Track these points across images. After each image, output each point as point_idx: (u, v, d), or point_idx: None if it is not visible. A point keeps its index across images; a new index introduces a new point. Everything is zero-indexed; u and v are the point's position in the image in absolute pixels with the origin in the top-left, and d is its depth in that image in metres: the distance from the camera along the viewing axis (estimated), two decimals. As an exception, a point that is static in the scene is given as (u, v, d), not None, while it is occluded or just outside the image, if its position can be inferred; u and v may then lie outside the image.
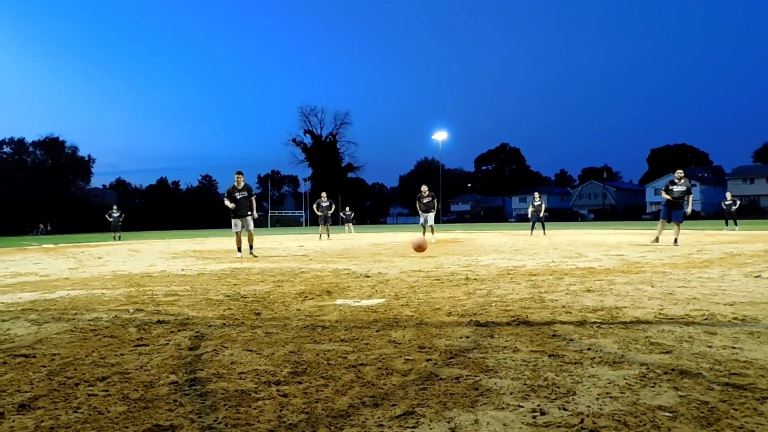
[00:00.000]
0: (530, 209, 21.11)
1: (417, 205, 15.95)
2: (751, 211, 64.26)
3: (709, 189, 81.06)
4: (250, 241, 11.24)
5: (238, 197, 11.22)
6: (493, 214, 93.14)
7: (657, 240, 12.46)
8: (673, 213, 12.07)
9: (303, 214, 69.89)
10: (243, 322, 3.82)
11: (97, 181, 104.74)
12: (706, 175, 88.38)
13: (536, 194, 21.50)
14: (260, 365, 2.66)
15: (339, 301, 4.76)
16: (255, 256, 10.94)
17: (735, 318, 3.65)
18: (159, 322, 3.89)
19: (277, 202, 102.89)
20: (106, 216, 27.05)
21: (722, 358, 2.62)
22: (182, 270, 8.23)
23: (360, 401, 2.10)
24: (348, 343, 3.12)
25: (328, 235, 20.95)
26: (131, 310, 4.41)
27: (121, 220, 26.19)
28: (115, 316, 4.19)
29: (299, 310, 4.34)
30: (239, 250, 11.16)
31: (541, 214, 20.88)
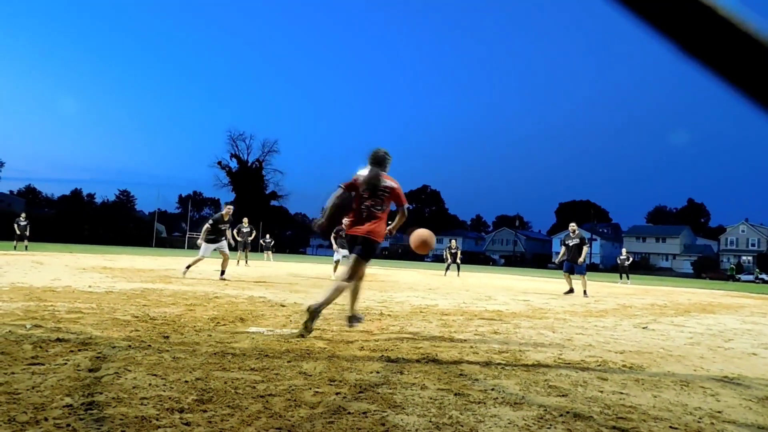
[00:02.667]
0: (447, 252, 22.31)
1: (334, 239, 14.95)
2: (642, 266, 69.48)
3: (607, 244, 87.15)
4: (224, 265, 11.12)
5: (222, 229, 11.19)
6: (411, 252, 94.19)
7: (571, 291, 12.71)
8: (575, 266, 12.61)
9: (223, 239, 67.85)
10: (150, 345, 3.64)
11: (3, 186, 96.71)
12: (605, 231, 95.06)
13: (453, 241, 22.82)
14: (164, 391, 2.55)
15: (252, 329, 4.66)
16: (224, 280, 10.69)
17: (624, 365, 3.93)
18: (58, 340, 3.63)
19: (197, 225, 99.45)
20: (15, 224, 24.77)
21: (611, 403, 2.82)
22: (89, 286, 7.71)
23: (266, 432, 2.07)
24: (258, 372, 3.06)
25: (246, 262, 20.41)
26: (28, 326, 4.08)
27: (28, 229, 24.10)
28: (9, 331, 3.86)
29: (210, 335, 4.20)
30: (188, 268, 11.05)
31: (458, 258, 22.05)
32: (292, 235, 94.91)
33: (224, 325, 4.82)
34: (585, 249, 12.24)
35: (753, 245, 78.48)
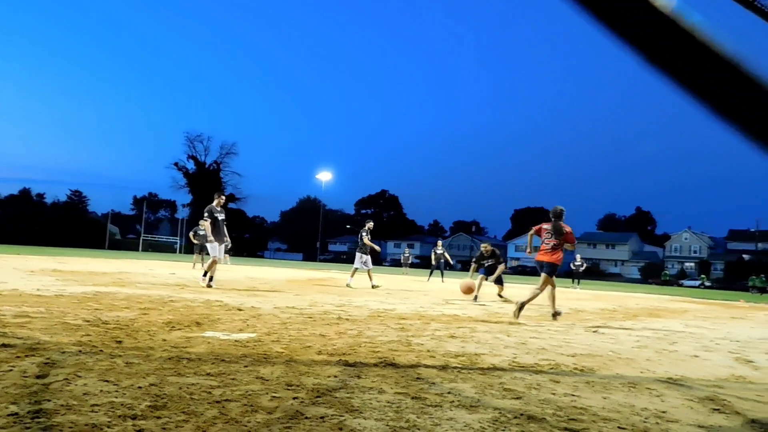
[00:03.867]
0: (433, 256, 22.03)
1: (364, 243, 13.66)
2: (593, 273, 71.62)
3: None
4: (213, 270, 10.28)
5: (220, 219, 10.39)
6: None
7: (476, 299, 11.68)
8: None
9: (178, 241, 66.22)
10: (102, 350, 3.53)
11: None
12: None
13: (439, 242, 22.56)
14: (116, 397, 2.48)
15: (208, 333, 4.58)
16: (210, 287, 9.95)
17: (576, 368, 4.05)
18: (3, 345, 3.46)
19: (152, 227, 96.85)
20: None
21: (563, 405, 2.90)
22: (38, 290, 7.39)
23: (223, 439, 2.05)
24: (214, 377, 3.01)
25: (203, 265, 19.97)
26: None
27: None
28: (-57, 337, 3.68)
29: (165, 340, 4.10)
30: (211, 279, 10.10)
31: (442, 261, 21.81)
32: (250, 239, 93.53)
33: (180, 329, 4.71)
34: (500, 268, 11.67)
35: (695, 252, 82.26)
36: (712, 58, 0.46)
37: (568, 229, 7.66)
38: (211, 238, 10.18)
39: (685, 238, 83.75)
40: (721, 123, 0.49)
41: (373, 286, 13.11)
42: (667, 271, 61.51)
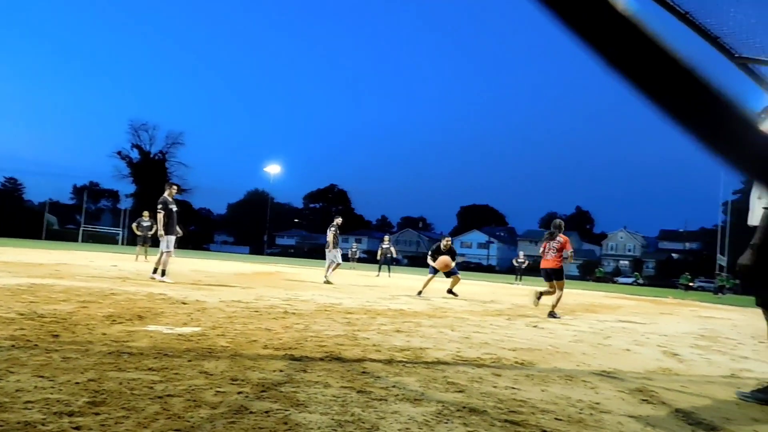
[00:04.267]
0: (379, 251, 22.13)
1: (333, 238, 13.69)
2: (534, 269, 73.90)
3: (504, 247, 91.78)
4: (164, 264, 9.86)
5: (174, 210, 9.92)
6: (317, 250, 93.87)
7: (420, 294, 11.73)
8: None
9: (121, 232, 63.75)
10: (37, 345, 3.37)
11: None
12: (502, 234, 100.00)
13: (386, 237, 22.58)
14: (52, 394, 2.38)
15: (151, 327, 4.45)
16: (155, 280, 9.62)
17: (516, 362, 4.19)
18: None
19: (93, 217, 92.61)
20: None
21: (504, 397, 3.00)
22: (-37, 282, 6.96)
23: (164, 435, 2.00)
24: (156, 372, 2.93)
25: (146, 257, 19.28)
26: None
27: None
28: None
29: (105, 334, 3.96)
30: (163, 273, 9.72)
31: (389, 255, 22.02)
32: (195, 231, 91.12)
33: (121, 323, 4.56)
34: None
35: (629, 250, 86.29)
36: (669, 62, 0.49)
37: (563, 238, 8.65)
38: (162, 232, 9.86)
39: (621, 237, 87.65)
40: (677, 128, 0.51)
41: (325, 281, 13.20)
42: (601, 268, 64.04)
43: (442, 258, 11.35)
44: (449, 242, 12.00)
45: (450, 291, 11.85)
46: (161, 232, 9.80)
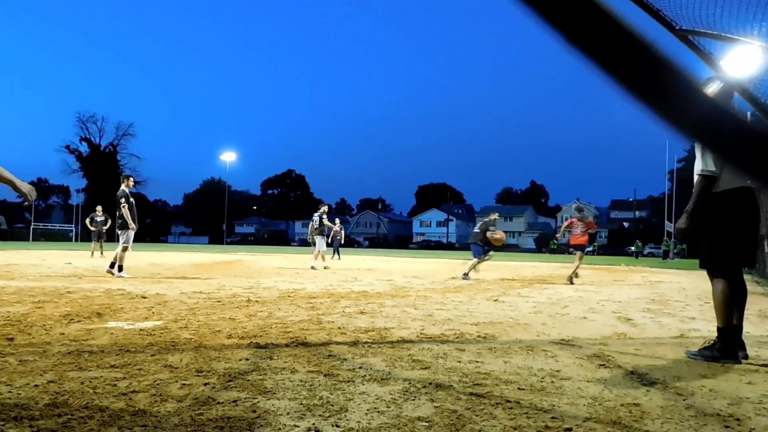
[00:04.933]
0: (331, 234, 22.01)
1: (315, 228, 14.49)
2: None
3: (462, 224, 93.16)
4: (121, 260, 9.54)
5: (133, 203, 9.62)
6: (277, 237, 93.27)
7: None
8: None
9: (73, 229, 61.39)
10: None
11: None
12: (460, 211, 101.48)
13: (337, 221, 22.38)
14: (10, 398, 2.30)
15: (111, 324, 4.34)
16: (113, 275, 9.39)
17: (479, 336, 4.29)
18: None
19: (43, 214, 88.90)
20: None
21: (468, 371, 3.07)
22: None
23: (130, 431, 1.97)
24: (119, 369, 2.87)
25: (102, 253, 18.68)
26: None
27: None
28: None
29: (63, 334, 3.84)
30: (120, 269, 9.42)
31: (338, 238, 22.02)
32: (151, 223, 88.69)
33: (79, 321, 4.43)
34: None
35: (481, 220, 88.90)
36: (616, 29, 0.50)
37: (590, 220, 11.04)
38: (133, 225, 9.59)
39: (574, 209, 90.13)
40: (624, 94, 0.52)
41: (315, 267, 13.87)
42: (555, 240, 65.72)
43: (501, 233, 11.74)
44: (497, 216, 12.38)
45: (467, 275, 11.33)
46: (132, 225, 9.56)
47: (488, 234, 11.48)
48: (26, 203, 2.99)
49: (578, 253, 11.01)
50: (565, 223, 11.69)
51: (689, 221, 3.66)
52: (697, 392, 2.77)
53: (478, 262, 11.44)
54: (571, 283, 10.63)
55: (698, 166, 3.65)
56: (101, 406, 2.25)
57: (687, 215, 3.68)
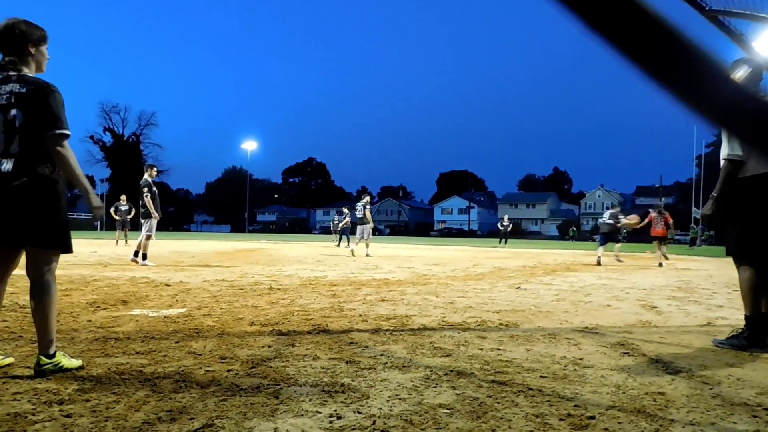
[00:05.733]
0: (342, 223, 22.26)
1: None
2: (515, 232, 74.79)
3: (484, 211, 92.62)
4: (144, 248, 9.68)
5: (156, 192, 9.74)
6: (298, 225, 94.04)
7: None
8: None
9: (99, 218, 62.71)
10: (21, 336, 3.34)
11: None
12: (482, 198, 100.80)
13: (344, 209, 22.44)
14: (40, 383, 2.37)
15: (136, 311, 4.43)
16: (137, 263, 9.54)
17: (501, 323, 4.27)
18: None
19: (69, 203, 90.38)
20: None
21: (490, 359, 3.06)
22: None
23: (156, 416, 2.01)
24: (144, 355, 2.94)
25: (126, 241, 19.04)
26: None
27: None
28: None
29: (90, 321, 3.94)
30: (145, 257, 9.57)
31: (347, 227, 22.07)
32: (174, 212, 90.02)
33: (105, 309, 4.53)
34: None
35: (607, 208, 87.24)
36: (642, 15, 0.48)
37: (666, 214, 13.24)
38: (156, 214, 9.68)
39: (598, 196, 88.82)
40: (650, 82, 0.51)
41: (364, 254, 14.54)
42: (574, 228, 64.84)
43: (633, 215, 14.20)
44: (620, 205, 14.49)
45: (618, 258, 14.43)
46: (155, 214, 9.66)
47: (622, 222, 13.52)
48: (93, 219, 3.14)
49: (656, 242, 13.38)
50: (646, 219, 13.74)
51: (715, 207, 3.59)
52: (724, 381, 2.72)
53: (613, 254, 14.37)
54: (661, 265, 12.56)
55: (724, 151, 3.56)
56: (127, 392, 2.30)
57: (713, 201, 3.60)
